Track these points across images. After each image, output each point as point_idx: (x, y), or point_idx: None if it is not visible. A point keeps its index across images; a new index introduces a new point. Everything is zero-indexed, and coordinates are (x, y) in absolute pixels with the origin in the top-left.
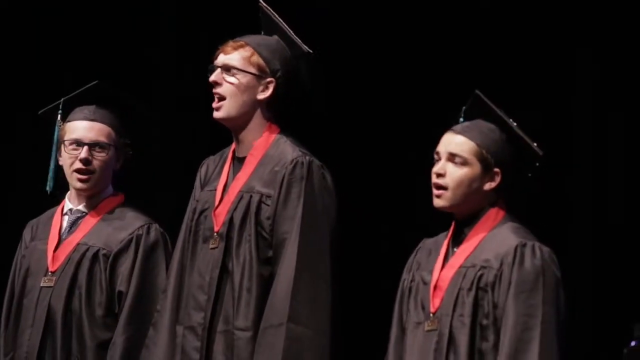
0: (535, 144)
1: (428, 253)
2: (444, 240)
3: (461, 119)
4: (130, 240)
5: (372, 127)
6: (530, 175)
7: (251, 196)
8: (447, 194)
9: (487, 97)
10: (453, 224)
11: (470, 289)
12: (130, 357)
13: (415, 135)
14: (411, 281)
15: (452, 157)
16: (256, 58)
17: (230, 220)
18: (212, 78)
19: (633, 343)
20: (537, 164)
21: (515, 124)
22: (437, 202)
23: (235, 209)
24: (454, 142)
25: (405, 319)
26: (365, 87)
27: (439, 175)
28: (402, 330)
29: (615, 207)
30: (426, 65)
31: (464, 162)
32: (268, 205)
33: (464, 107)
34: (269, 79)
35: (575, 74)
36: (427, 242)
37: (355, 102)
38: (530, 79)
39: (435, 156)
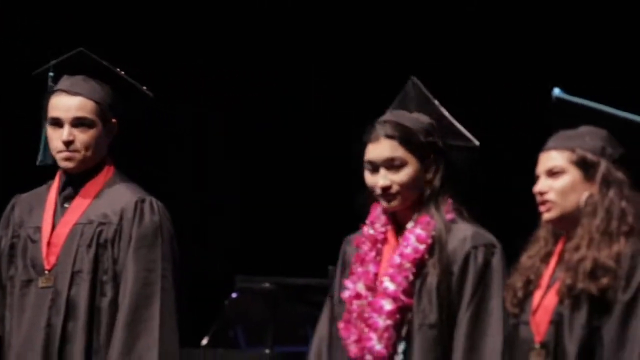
0: (144, 87)
1: (29, 208)
2: (48, 194)
3: (51, 74)
4: None
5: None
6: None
7: None
8: (77, 156)
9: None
10: (57, 178)
11: (89, 246)
12: None
13: None
14: (12, 238)
15: (76, 120)
16: None
17: None
18: None
19: (234, 295)
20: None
21: (119, 69)
22: (66, 165)
23: None
24: (73, 107)
25: (5, 276)
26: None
27: (69, 142)
28: (2, 289)
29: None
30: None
31: (90, 125)
32: None
33: (52, 62)
34: None
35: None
36: (23, 197)
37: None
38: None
39: None
